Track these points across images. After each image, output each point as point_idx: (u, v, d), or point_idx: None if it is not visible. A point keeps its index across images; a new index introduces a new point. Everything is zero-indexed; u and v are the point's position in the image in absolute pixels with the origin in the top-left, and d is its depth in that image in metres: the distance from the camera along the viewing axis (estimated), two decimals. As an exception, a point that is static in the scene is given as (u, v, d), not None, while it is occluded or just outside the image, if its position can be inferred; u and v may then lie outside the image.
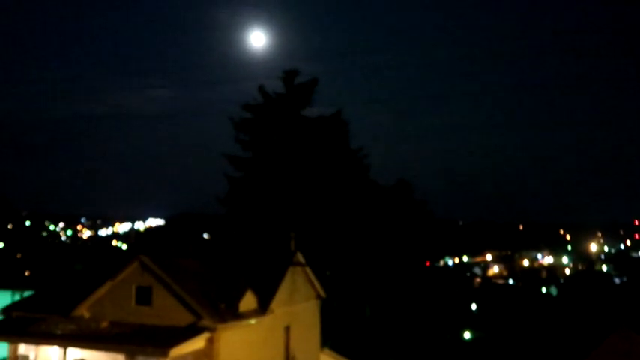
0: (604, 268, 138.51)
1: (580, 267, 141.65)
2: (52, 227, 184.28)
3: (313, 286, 28.54)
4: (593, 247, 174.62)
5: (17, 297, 32.29)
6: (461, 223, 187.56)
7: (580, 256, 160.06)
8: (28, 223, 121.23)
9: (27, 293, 30.23)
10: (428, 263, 62.77)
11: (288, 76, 40.59)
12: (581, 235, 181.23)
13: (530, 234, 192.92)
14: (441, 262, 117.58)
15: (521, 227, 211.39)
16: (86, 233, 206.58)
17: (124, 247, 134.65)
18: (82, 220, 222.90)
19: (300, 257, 27.36)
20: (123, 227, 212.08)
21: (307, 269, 27.86)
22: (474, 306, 78.28)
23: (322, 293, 29.16)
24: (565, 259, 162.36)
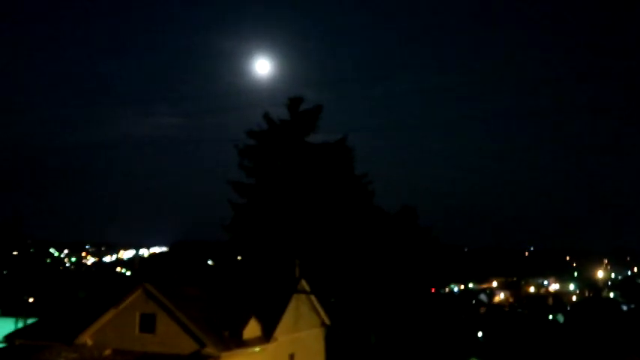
0: (611, 295, 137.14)
1: (587, 294, 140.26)
2: (56, 254, 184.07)
3: (318, 313, 28.39)
4: (600, 273, 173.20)
5: (20, 324, 32.17)
6: (466, 249, 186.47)
7: (587, 282, 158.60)
8: (32, 250, 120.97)
9: (30, 321, 30.13)
10: (433, 290, 62.30)
11: (293, 103, 40.79)
12: (588, 262, 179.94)
13: (536, 260, 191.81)
14: (447, 289, 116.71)
15: (527, 254, 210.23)
16: (90, 260, 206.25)
17: (128, 273, 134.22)
18: (87, 246, 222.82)
19: (304, 284, 27.27)
20: (127, 254, 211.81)
21: (312, 297, 27.74)
22: (480, 334, 77.39)
23: (327, 321, 28.98)
24: (572, 286, 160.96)
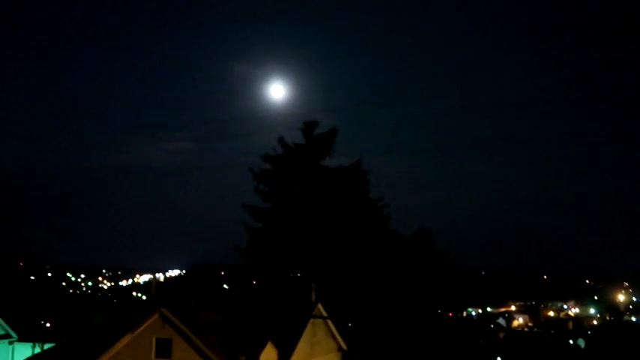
0: (633, 319, 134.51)
1: (608, 318, 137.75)
2: (73, 278, 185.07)
3: (334, 338, 28.14)
4: (621, 297, 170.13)
5: (37, 349, 32.22)
6: (483, 272, 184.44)
7: (607, 306, 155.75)
8: (49, 275, 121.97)
9: (47, 346, 30.17)
10: (451, 314, 61.59)
11: (308, 127, 40.98)
12: (608, 285, 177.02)
13: (555, 284, 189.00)
14: (465, 313, 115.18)
15: (545, 277, 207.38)
16: (107, 284, 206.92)
17: (144, 298, 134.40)
18: (103, 271, 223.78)
19: (321, 309, 27.09)
20: (143, 278, 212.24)
21: (328, 321, 27.53)
22: (498, 359, 76.14)
23: (344, 346, 28.71)
24: (592, 310, 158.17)
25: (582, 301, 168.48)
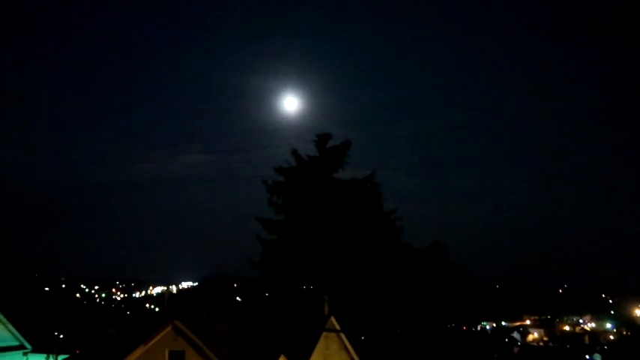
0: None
1: (625, 332, 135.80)
2: (86, 290, 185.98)
3: (348, 351, 27.93)
4: (638, 311, 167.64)
5: (51, 361, 32.28)
6: (498, 286, 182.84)
7: (624, 321, 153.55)
8: (63, 286, 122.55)
9: (61, 357, 30.25)
10: (465, 328, 61.05)
11: (321, 139, 41.07)
12: (625, 300, 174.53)
13: (570, 298, 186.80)
14: (479, 327, 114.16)
15: (560, 291, 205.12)
16: (120, 296, 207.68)
17: (157, 309, 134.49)
18: (117, 282, 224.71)
19: (334, 322, 26.94)
20: (156, 290, 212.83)
21: (341, 334, 27.35)
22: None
23: (357, 359, 28.47)
24: (608, 325, 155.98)
25: (598, 315, 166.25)
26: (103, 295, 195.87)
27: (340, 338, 27.42)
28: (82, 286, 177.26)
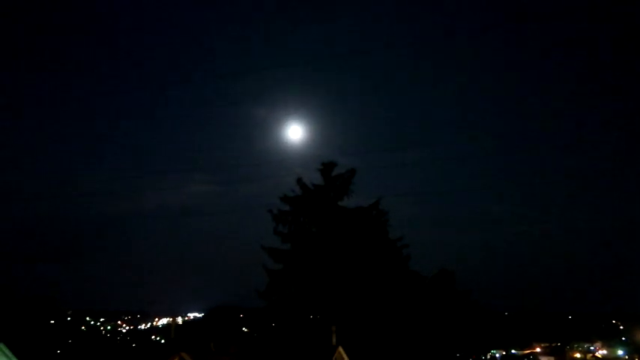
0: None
1: (637, 359, 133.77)
2: (92, 322, 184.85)
3: (356, 382, 27.60)
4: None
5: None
6: (506, 313, 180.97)
7: (637, 347, 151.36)
8: (69, 319, 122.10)
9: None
10: (474, 357, 60.33)
11: (326, 167, 41.15)
12: (637, 326, 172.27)
13: (581, 324, 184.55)
14: (488, 355, 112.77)
15: (570, 317, 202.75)
16: (125, 328, 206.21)
17: (163, 341, 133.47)
18: (122, 314, 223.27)
19: (342, 352, 26.68)
20: (162, 321, 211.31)
21: (349, 364, 27.07)
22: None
23: (365, 390, 28.13)
24: (620, 352, 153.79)
25: (609, 342, 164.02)
26: (109, 327, 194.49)
27: (348, 368, 27.14)
28: (87, 318, 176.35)
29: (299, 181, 40.99)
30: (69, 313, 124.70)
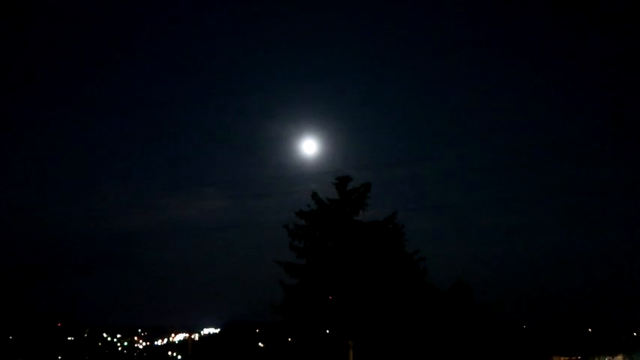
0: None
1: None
2: (109, 339, 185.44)
3: (374, 398, 27.43)
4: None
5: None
6: (525, 326, 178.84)
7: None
8: (86, 335, 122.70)
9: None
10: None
11: (341, 182, 41.18)
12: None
13: (601, 337, 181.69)
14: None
15: (590, 330, 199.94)
16: (142, 344, 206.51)
17: (179, 357, 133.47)
18: (139, 330, 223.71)
19: (359, 367, 26.55)
20: (178, 337, 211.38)
21: (367, 380, 26.93)
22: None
23: (383, 406, 27.94)
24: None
25: (631, 355, 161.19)
26: (126, 343, 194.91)
27: (366, 384, 26.98)
28: (104, 334, 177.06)
29: (314, 195, 41.05)
30: (86, 330, 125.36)
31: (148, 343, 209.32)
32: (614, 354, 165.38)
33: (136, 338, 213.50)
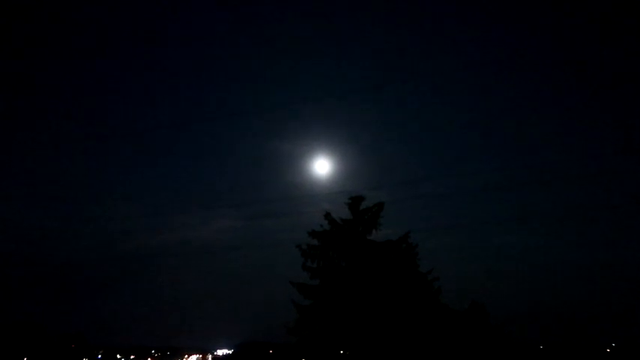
0: None
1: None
2: (122, 359, 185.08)
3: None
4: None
5: None
6: (541, 347, 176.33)
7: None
8: (99, 357, 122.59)
9: None
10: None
11: (354, 201, 41.14)
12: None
13: (620, 356, 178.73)
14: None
15: (608, 350, 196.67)
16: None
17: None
18: (152, 351, 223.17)
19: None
20: (191, 358, 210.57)
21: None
22: None
23: None
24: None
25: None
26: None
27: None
28: (117, 355, 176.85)
29: (327, 215, 41.02)
30: (101, 351, 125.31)
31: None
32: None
33: (149, 359, 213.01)
